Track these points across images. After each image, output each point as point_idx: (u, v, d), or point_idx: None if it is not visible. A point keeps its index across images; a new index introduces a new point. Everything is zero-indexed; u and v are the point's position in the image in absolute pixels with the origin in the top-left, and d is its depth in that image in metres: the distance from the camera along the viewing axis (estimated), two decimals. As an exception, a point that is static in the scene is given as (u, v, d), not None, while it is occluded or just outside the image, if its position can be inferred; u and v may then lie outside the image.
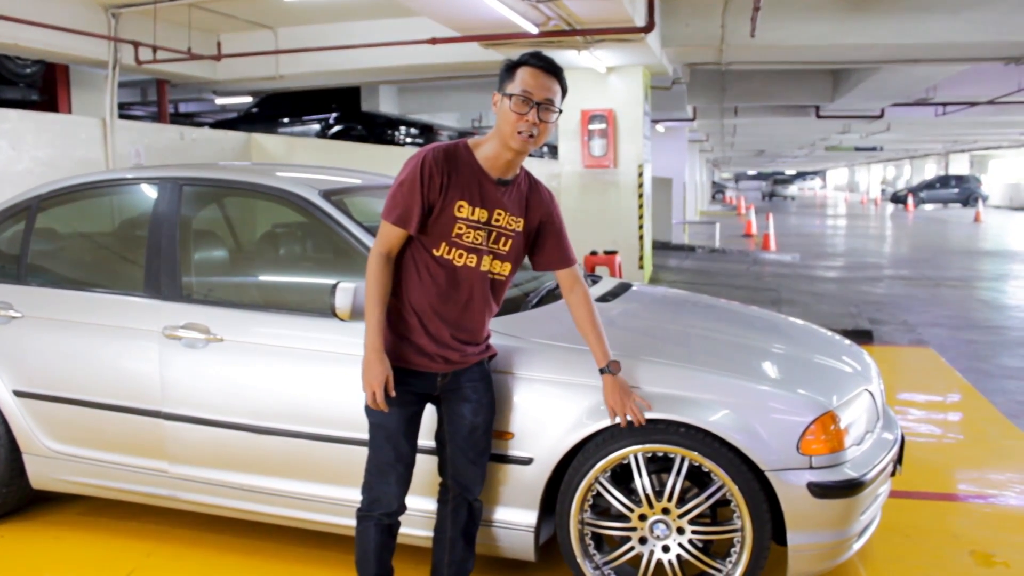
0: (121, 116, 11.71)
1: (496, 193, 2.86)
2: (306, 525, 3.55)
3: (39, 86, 11.70)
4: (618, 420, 2.97)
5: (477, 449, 3.01)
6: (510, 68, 2.80)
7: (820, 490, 2.90)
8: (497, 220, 2.87)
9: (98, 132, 9.93)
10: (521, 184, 2.95)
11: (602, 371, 3.00)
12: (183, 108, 19.87)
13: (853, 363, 3.60)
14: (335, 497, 3.38)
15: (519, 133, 2.74)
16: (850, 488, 2.94)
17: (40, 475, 3.96)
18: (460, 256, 2.83)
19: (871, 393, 3.36)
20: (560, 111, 2.81)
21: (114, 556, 3.76)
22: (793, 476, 2.91)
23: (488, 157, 2.84)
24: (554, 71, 2.79)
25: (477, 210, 2.82)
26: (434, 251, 2.81)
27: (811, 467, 2.92)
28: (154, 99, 14.66)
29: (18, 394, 3.89)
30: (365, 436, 2.98)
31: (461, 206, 2.80)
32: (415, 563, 3.42)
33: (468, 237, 2.83)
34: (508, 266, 2.95)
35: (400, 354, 2.86)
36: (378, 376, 2.75)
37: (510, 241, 2.92)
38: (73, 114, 11.91)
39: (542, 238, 3.02)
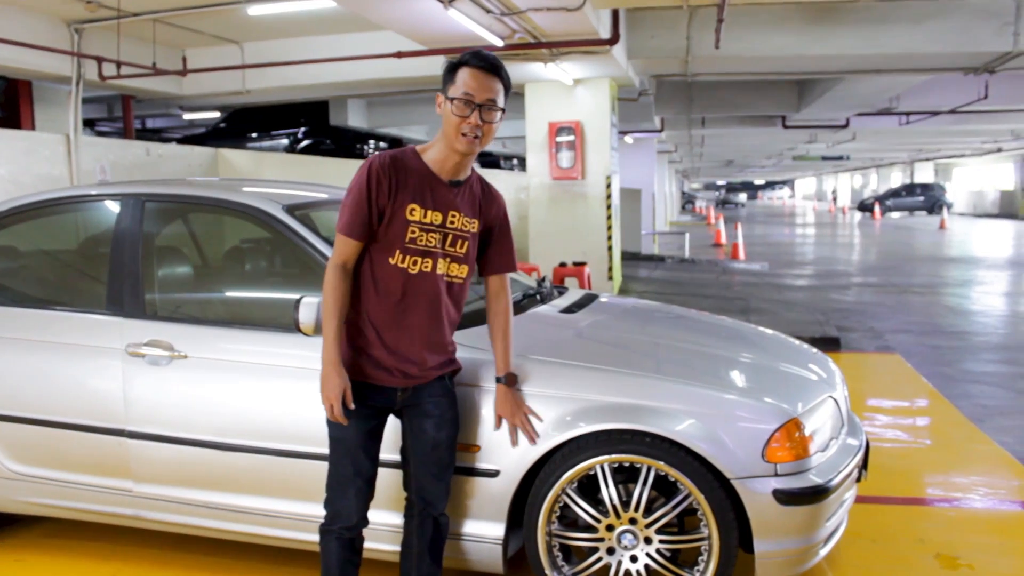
0: (86, 132, 11.61)
1: (449, 195, 2.85)
2: (274, 542, 3.51)
3: (1, 102, 11.57)
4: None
5: (440, 464, 2.99)
6: (451, 70, 2.78)
7: (786, 497, 2.92)
8: (452, 222, 2.86)
9: (62, 148, 9.85)
10: (473, 186, 2.95)
11: (498, 380, 3.05)
12: (150, 124, 19.73)
13: (818, 370, 3.64)
14: (303, 513, 3.35)
15: (463, 135, 2.74)
16: (815, 494, 2.96)
17: (2, 498, 3.88)
18: (415, 263, 2.81)
19: (835, 400, 3.39)
20: (503, 110, 2.81)
21: (78, 578, 3.71)
22: (759, 484, 2.92)
23: (436, 160, 2.84)
24: (495, 70, 2.77)
25: (430, 212, 2.81)
26: (389, 259, 2.80)
27: (776, 474, 2.94)
28: (120, 115, 14.54)
29: (-22, 415, 3.82)
30: (316, 450, 3.00)
31: (413, 209, 2.79)
32: (384, 578, 3.40)
33: (422, 240, 2.81)
34: (465, 268, 2.94)
35: (359, 368, 2.85)
36: (335, 389, 2.74)
37: (466, 243, 2.91)
38: (36, 130, 11.78)
39: (492, 241, 3.04)
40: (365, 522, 2.95)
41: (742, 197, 68.40)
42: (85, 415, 3.62)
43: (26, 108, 11.98)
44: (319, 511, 3.09)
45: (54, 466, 3.75)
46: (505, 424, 3.09)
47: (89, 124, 16.33)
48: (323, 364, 2.77)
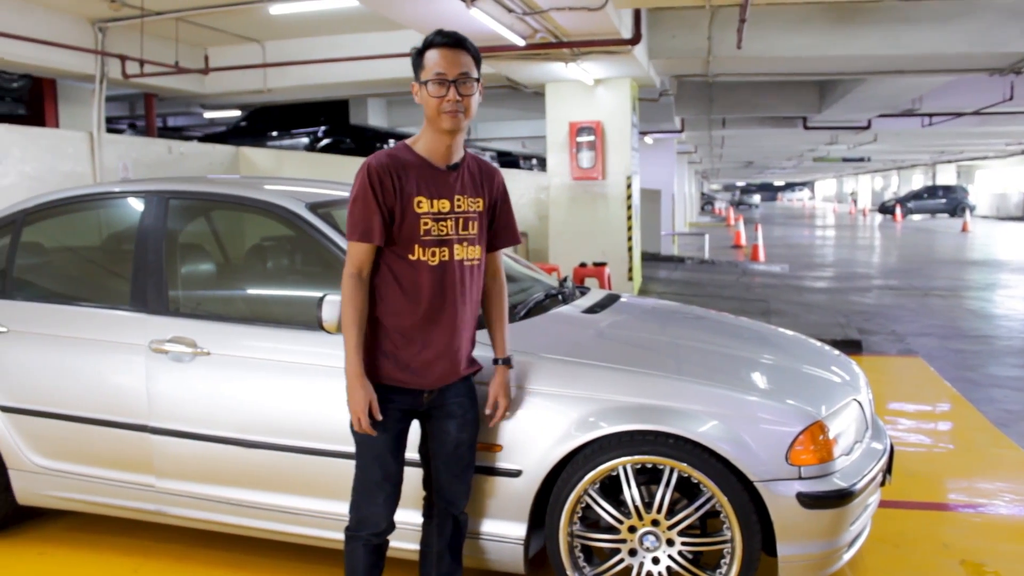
0: (109, 130, 11.68)
1: (448, 180, 2.84)
2: (295, 539, 3.52)
3: (26, 100, 11.67)
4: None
5: (462, 464, 2.99)
6: (419, 55, 2.78)
7: (809, 500, 2.90)
8: (459, 206, 2.85)
9: (85, 146, 9.92)
10: (470, 165, 2.93)
11: (498, 361, 3.03)
12: (172, 122, 19.84)
13: (842, 373, 3.61)
14: (324, 511, 3.36)
15: (445, 113, 2.72)
16: (840, 498, 2.94)
17: (25, 491, 3.92)
18: (433, 255, 2.80)
19: (860, 403, 3.36)
20: (478, 79, 2.80)
21: (100, 573, 3.72)
22: (782, 487, 2.90)
23: (428, 148, 2.83)
24: (460, 44, 2.76)
25: (436, 202, 2.80)
26: (409, 257, 2.78)
27: (800, 477, 2.92)
28: (142, 113, 14.63)
29: (3, 409, 3.86)
30: (353, 449, 2.94)
31: (420, 201, 2.78)
32: (404, 577, 3.40)
33: (435, 231, 2.80)
34: (479, 249, 2.93)
35: (387, 372, 2.82)
36: (362, 402, 2.73)
37: (475, 223, 2.91)
38: (60, 128, 11.88)
39: (496, 216, 3.02)
40: (392, 527, 2.93)
41: (756, 199, 70.99)
42: (108, 410, 3.65)
43: (50, 106, 12.07)
44: (340, 508, 3.10)
45: (77, 461, 3.78)
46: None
47: (112, 122, 16.43)
48: (348, 377, 2.75)
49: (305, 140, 16.87)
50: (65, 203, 4.12)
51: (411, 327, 2.81)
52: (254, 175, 12.66)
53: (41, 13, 9.70)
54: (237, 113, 16.93)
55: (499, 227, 3.04)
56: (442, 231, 2.81)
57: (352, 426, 2.82)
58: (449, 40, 2.75)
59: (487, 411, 3.01)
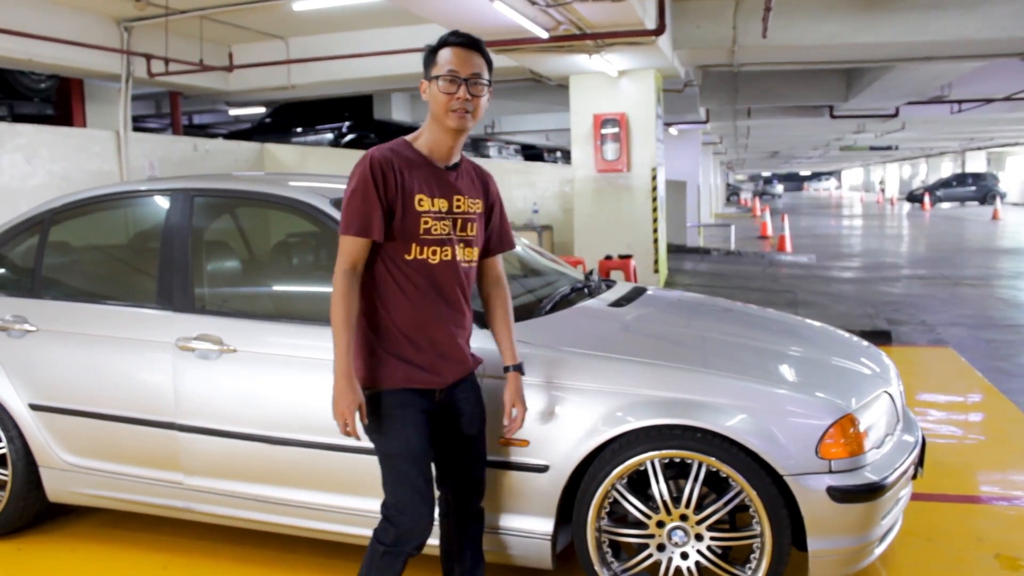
0: (135, 129, 11.77)
1: (449, 179, 2.79)
2: (322, 536, 3.53)
3: (53, 100, 11.79)
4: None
5: (477, 459, 2.96)
6: (432, 53, 2.74)
7: (840, 494, 2.86)
8: (459, 206, 2.80)
9: (112, 145, 10.00)
10: (468, 168, 2.90)
11: (510, 368, 2.96)
12: (197, 120, 19.96)
13: (871, 365, 3.56)
14: (350, 507, 3.36)
15: (453, 112, 2.67)
16: (871, 492, 2.90)
17: (56, 488, 3.95)
18: (434, 253, 2.74)
19: (890, 395, 3.31)
20: (489, 82, 2.76)
21: (130, 569, 3.75)
22: (812, 480, 2.87)
23: (430, 146, 2.77)
24: (475, 45, 2.73)
25: (436, 200, 2.75)
26: (406, 256, 2.71)
27: (831, 471, 2.88)
28: (168, 111, 14.73)
29: (34, 407, 3.89)
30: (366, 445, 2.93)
31: (421, 199, 2.71)
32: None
33: (436, 229, 2.74)
34: (476, 251, 2.89)
35: (404, 374, 2.73)
36: (351, 404, 2.63)
37: (475, 225, 2.86)
38: (87, 127, 11.99)
39: (492, 219, 2.98)
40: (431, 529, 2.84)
41: (779, 188, 72.29)
42: (136, 408, 3.67)
43: (78, 106, 12.19)
44: (366, 505, 3.11)
45: (106, 458, 3.80)
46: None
47: (138, 120, 16.55)
48: (336, 377, 2.64)
49: (330, 136, 16.92)
50: (91, 202, 4.15)
51: (416, 327, 2.73)
52: (278, 171, 12.72)
53: (67, 14, 9.78)
54: (262, 110, 17.00)
55: (497, 232, 3.01)
56: (442, 231, 2.75)
57: (373, 435, 2.75)
58: (464, 40, 2.72)
59: (505, 421, 2.94)
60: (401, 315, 2.72)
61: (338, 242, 2.68)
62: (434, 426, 2.82)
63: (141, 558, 3.84)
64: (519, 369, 2.96)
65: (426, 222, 2.72)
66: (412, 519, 2.73)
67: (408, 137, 2.81)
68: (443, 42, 2.72)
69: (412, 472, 2.74)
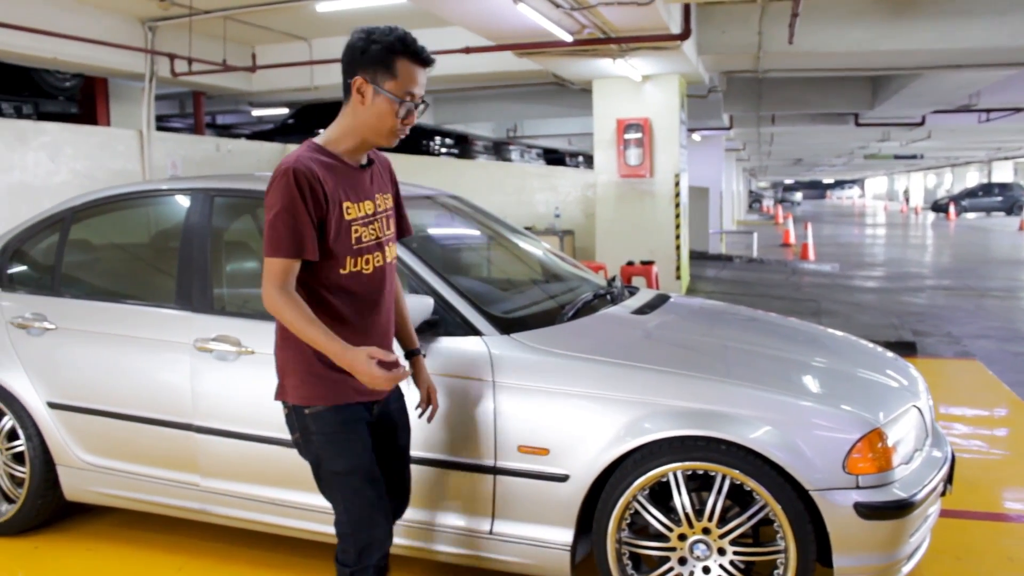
0: (159, 128, 11.82)
1: (365, 180, 2.63)
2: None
3: (78, 99, 11.85)
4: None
5: (406, 469, 2.94)
6: (385, 55, 2.49)
7: (868, 511, 2.79)
8: (379, 206, 2.67)
9: (135, 144, 10.04)
10: (372, 158, 2.72)
11: (415, 353, 2.93)
12: (220, 120, 20.05)
13: (899, 377, 3.48)
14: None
15: (397, 133, 2.54)
16: (899, 509, 2.82)
17: (73, 487, 3.94)
18: (367, 263, 2.59)
19: (919, 409, 3.24)
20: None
21: (146, 570, 3.73)
22: (839, 496, 2.80)
23: (349, 151, 2.59)
24: (431, 64, 2.56)
25: (362, 205, 2.58)
26: (341, 271, 2.54)
27: (858, 487, 2.81)
28: (192, 111, 14.80)
29: (52, 406, 3.88)
30: None
31: (348, 207, 2.53)
32: None
33: (365, 237, 2.59)
34: (396, 246, 2.81)
35: (346, 391, 2.57)
36: (368, 362, 2.39)
37: (392, 220, 2.75)
38: (111, 127, 12.04)
39: (399, 208, 2.87)
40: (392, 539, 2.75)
41: (797, 196, 72.75)
42: (154, 408, 3.65)
43: (102, 105, 12.25)
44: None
45: (124, 458, 3.78)
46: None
47: (161, 120, 16.63)
48: (344, 357, 2.41)
49: (353, 138, 16.90)
50: (112, 201, 4.13)
51: (354, 340, 2.49)
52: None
53: (93, 13, 9.82)
54: (285, 111, 17.05)
55: (402, 219, 2.89)
56: (371, 236, 2.61)
57: (324, 459, 2.60)
58: (428, 59, 2.55)
59: (418, 408, 2.91)
60: (338, 330, 2.50)
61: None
62: (372, 438, 2.71)
63: (157, 559, 3.82)
64: (421, 352, 2.96)
65: (356, 231, 2.56)
66: (371, 533, 2.64)
67: (319, 140, 2.59)
68: (403, 50, 2.50)
69: (366, 487, 2.62)
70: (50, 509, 4.05)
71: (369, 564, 2.64)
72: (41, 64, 10.26)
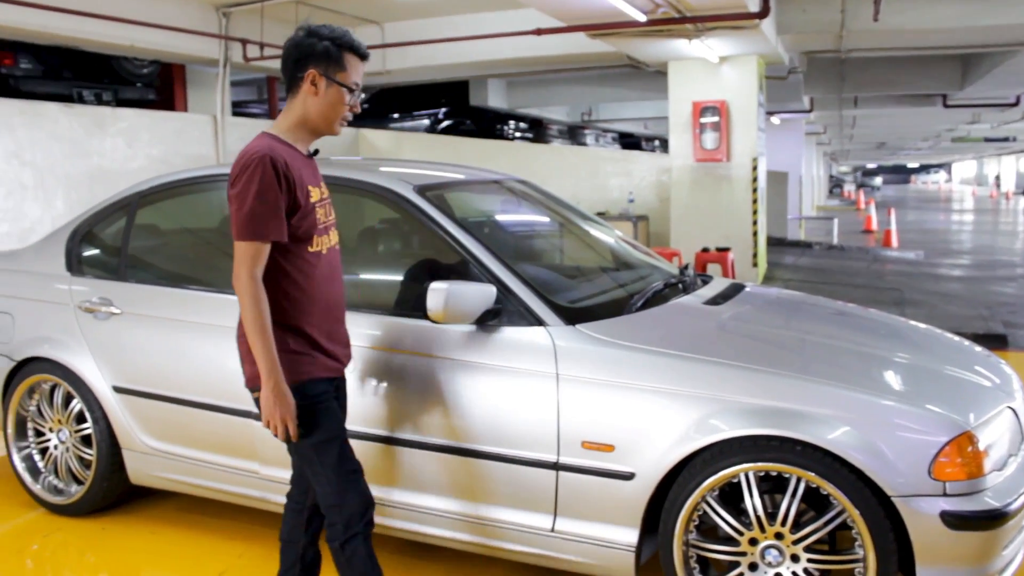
0: (236, 114, 11.93)
1: (314, 167, 2.82)
2: (401, 535, 3.43)
3: (156, 85, 12.03)
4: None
5: None
6: (335, 50, 2.68)
7: (956, 520, 2.60)
8: (323, 192, 2.83)
9: (209, 129, 10.15)
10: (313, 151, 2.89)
11: None
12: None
13: (991, 375, 3.26)
14: (424, 506, 3.27)
15: (343, 121, 2.76)
16: (991, 519, 2.62)
17: (137, 470, 3.97)
18: (323, 242, 2.77)
19: (1014, 410, 3.01)
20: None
21: (206, 555, 3.73)
22: (924, 503, 2.61)
23: (301, 140, 2.76)
24: (368, 58, 2.81)
25: (316, 190, 2.76)
26: (308, 248, 2.70)
27: (945, 494, 2.62)
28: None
29: (117, 390, 3.90)
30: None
31: (311, 192, 2.71)
32: None
33: (322, 219, 2.77)
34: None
35: (322, 365, 2.74)
36: (290, 407, 2.61)
37: (331, 207, 2.89)
38: (188, 112, 12.21)
39: None
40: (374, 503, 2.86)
41: (877, 181, 71.45)
42: (216, 395, 3.63)
43: (179, 90, 12.43)
44: (443, 505, 3.10)
45: (186, 443, 3.79)
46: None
47: (240, 106, 16.85)
48: (275, 383, 2.58)
49: (426, 122, 16.95)
50: (178, 185, 4.13)
51: (320, 318, 2.74)
52: (373, 156, 12.78)
53: (169, 1, 9.94)
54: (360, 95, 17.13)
55: None
56: (326, 218, 2.79)
57: (303, 429, 2.67)
58: (367, 54, 2.79)
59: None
60: (308, 309, 2.72)
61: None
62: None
63: (218, 545, 3.81)
64: None
65: (318, 213, 2.74)
66: (354, 500, 2.72)
67: (272, 131, 2.73)
68: (348, 45, 2.71)
69: (345, 453, 2.76)
70: (116, 492, 4.10)
71: (357, 530, 2.73)
72: (119, 51, 10.42)
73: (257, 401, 2.69)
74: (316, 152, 2.87)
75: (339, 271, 2.87)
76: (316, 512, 2.94)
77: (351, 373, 3.34)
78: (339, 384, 2.91)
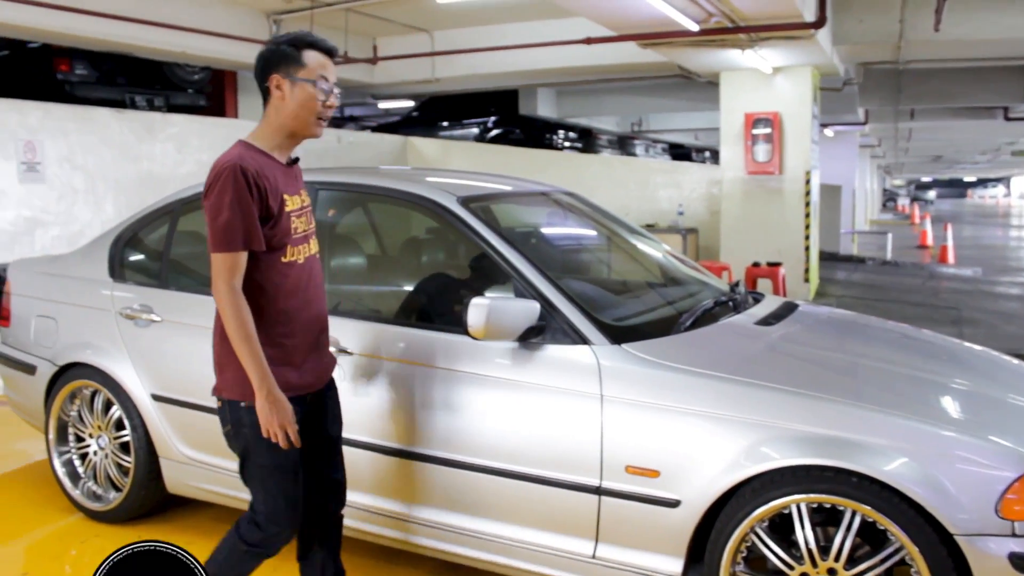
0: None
1: (293, 175, 2.78)
2: (430, 553, 3.34)
3: (207, 92, 12.16)
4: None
5: (336, 461, 2.97)
6: (291, 50, 2.65)
7: (1026, 564, 2.44)
8: (304, 201, 2.80)
9: (259, 135, 10.18)
10: (293, 160, 2.85)
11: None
12: (348, 112, 20.37)
13: (1058, 404, 3.08)
14: (472, 529, 3.17)
15: (322, 120, 2.70)
16: (1065, 563, 2.46)
17: (174, 480, 3.93)
18: (300, 252, 2.73)
19: (1086, 444, 2.84)
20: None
21: (241, 570, 3.66)
22: (991, 544, 2.45)
23: (278, 147, 2.72)
24: (335, 53, 2.76)
25: (293, 199, 2.72)
26: (282, 259, 2.67)
27: (1014, 534, 2.46)
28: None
29: (155, 398, 3.87)
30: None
31: (286, 200, 2.67)
32: None
33: (299, 228, 2.73)
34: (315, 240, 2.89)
35: (292, 382, 2.69)
36: (288, 413, 2.58)
37: (312, 215, 2.88)
38: (239, 119, 12.31)
39: None
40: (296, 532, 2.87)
41: (931, 195, 71.33)
42: (251, 407, 3.57)
43: (230, 96, 12.56)
44: (476, 525, 3.06)
45: (221, 454, 3.71)
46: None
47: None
48: (267, 390, 2.55)
49: (475, 131, 16.97)
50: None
51: (294, 330, 2.71)
52: (421, 165, 12.77)
53: (219, 7, 10.04)
54: (410, 103, 17.18)
55: None
56: (303, 228, 2.76)
57: (249, 451, 2.70)
58: (331, 48, 2.73)
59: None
60: (281, 322, 2.68)
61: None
62: (303, 429, 2.72)
63: (252, 559, 3.74)
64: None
65: (293, 222, 2.71)
66: (281, 528, 2.74)
67: (248, 140, 2.71)
68: (306, 43, 2.67)
69: (287, 482, 2.72)
70: (153, 500, 4.06)
71: (266, 552, 2.78)
72: (170, 58, 10.55)
73: (220, 408, 2.73)
74: (296, 160, 2.83)
75: (318, 280, 2.83)
76: (329, 521, 2.96)
77: (381, 388, 3.29)
78: (316, 396, 2.86)
